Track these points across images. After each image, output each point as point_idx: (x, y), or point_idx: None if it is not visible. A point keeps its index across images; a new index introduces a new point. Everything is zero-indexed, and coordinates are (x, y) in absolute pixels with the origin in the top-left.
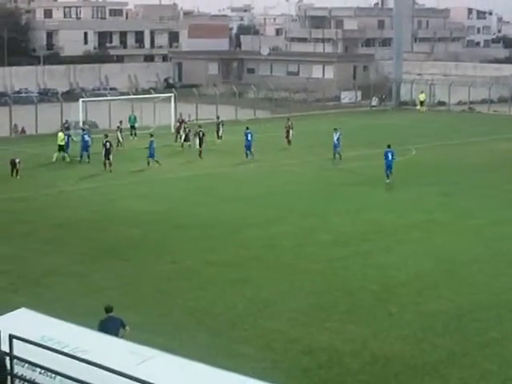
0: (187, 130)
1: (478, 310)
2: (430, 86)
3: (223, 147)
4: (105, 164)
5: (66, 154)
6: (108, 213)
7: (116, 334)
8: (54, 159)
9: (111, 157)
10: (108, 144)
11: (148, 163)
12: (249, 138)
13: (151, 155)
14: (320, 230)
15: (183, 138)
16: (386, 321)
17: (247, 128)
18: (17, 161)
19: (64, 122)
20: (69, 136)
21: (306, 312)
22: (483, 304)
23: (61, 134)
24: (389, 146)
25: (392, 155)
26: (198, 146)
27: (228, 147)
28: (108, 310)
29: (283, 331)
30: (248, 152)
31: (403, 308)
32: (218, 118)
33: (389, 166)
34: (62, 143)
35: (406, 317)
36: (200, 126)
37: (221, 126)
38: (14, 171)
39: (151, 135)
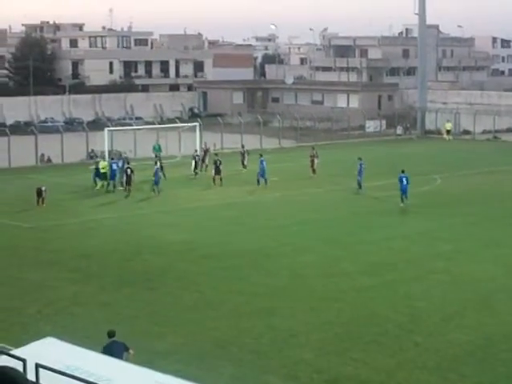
0: (218, 162)
1: (505, 339)
2: (454, 114)
3: (248, 176)
4: (125, 189)
5: (109, 182)
6: (134, 242)
7: (120, 358)
8: (97, 187)
9: (132, 183)
10: (129, 170)
11: (153, 190)
12: (263, 166)
13: (155, 182)
14: (346, 259)
15: (206, 166)
16: (411, 351)
17: (261, 155)
18: (43, 189)
19: (90, 151)
20: (115, 164)
21: (332, 342)
22: (510, 333)
23: (103, 163)
24: (403, 171)
25: (407, 180)
26: (213, 174)
27: (253, 176)
28: (111, 334)
29: (309, 361)
30: (261, 179)
31: (429, 338)
32: (242, 146)
33: (404, 191)
34: (105, 171)
35: (432, 346)
36: (216, 154)
37: (246, 154)
38: (40, 200)
39: (156, 163)
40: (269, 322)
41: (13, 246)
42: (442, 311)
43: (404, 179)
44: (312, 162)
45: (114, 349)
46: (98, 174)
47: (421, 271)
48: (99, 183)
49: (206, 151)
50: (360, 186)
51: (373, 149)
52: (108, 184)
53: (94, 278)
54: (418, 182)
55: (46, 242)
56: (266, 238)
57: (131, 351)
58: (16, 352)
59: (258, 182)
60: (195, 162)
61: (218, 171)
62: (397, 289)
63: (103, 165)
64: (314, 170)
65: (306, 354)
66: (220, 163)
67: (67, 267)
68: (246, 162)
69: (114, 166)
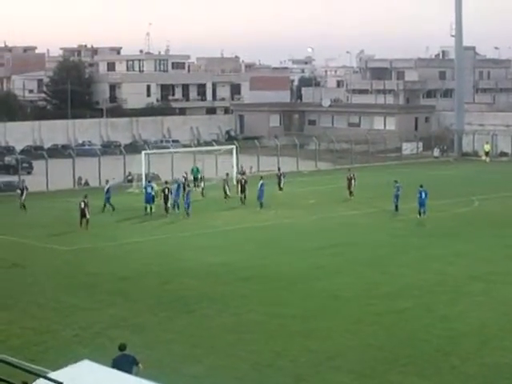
0: (243, 181)
1: None
2: (492, 136)
3: (284, 199)
4: (165, 209)
5: (146, 206)
6: (171, 265)
7: (130, 371)
8: (149, 210)
9: (169, 203)
10: (167, 190)
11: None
12: (262, 189)
13: (187, 205)
14: (382, 282)
15: (239, 189)
16: (448, 374)
17: (261, 178)
18: (86, 201)
19: (127, 174)
20: (150, 187)
21: (369, 364)
22: None
23: (156, 186)
24: (421, 186)
25: (425, 194)
26: (239, 194)
27: (289, 199)
28: (121, 348)
29: None
30: (257, 202)
31: (466, 360)
32: (279, 169)
33: (421, 204)
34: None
35: (470, 369)
36: (243, 173)
37: (282, 177)
38: (84, 221)
39: (188, 185)
40: (306, 345)
41: (51, 268)
42: (480, 334)
43: (422, 193)
44: (349, 184)
45: (123, 362)
46: (148, 197)
47: (458, 293)
48: (149, 207)
49: (242, 174)
50: (397, 208)
51: (410, 171)
52: (145, 208)
53: (131, 301)
54: (455, 203)
55: (83, 265)
56: (302, 260)
57: (141, 366)
58: (53, 375)
59: (261, 205)
60: (241, 186)
61: (242, 190)
62: (434, 311)
63: (155, 188)
64: (350, 193)
65: (343, 377)
66: (245, 182)
67: (104, 290)
68: (282, 185)
69: (149, 190)
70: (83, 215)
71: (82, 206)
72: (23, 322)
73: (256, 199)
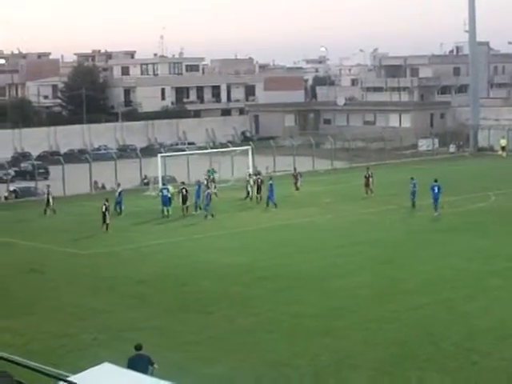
0: (259, 181)
1: None
2: (507, 131)
3: (301, 198)
4: (182, 209)
5: (163, 208)
6: (189, 266)
7: (145, 371)
8: (166, 213)
9: (188, 203)
10: (184, 191)
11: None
12: (272, 189)
13: (206, 206)
14: (401, 279)
15: (255, 190)
16: (468, 369)
17: (271, 178)
18: (107, 204)
19: (143, 177)
20: (166, 190)
21: (389, 361)
22: None
23: (171, 188)
24: (436, 181)
25: (438, 189)
26: (256, 193)
27: (306, 198)
28: (137, 348)
29: (366, 382)
30: (270, 201)
31: (486, 356)
32: (295, 169)
33: (435, 199)
34: (170, 196)
35: (490, 365)
36: (258, 174)
37: (299, 177)
38: (105, 226)
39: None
40: (324, 343)
41: (69, 272)
42: (500, 329)
43: (436, 188)
44: (367, 182)
45: (139, 362)
46: (164, 199)
47: (477, 289)
48: (165, 208)
49: (257, 175)
50: (414, 205)
51: (426, 167)
52: (162, 210)
53: (149, 304)
54: (472, 199)
55: (102, 269)
56: (320, 259)
57: (156, 365)
58: (73, 378)
59: (268, 204)
60: (258, 186)
61: (258, 190)
62: (453, 307)
63: (171, 190)
64: (371, 190)
65: (362, 375)
66: (261, 182)
67: (123, 293)
68: (298, 185)
69: (165, 192)
70: (104, 219)
71: (104, 209)
72: (43, 326)
73: (267, 199)
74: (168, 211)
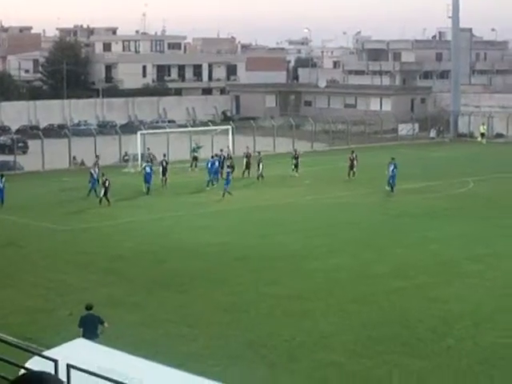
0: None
1: None
2: (488, 118)
3: (280, 179)
4: (162, 180)
5: (148, 185)
6: (168, 244)
7: (95, 330)
8: (146, 189)
9: (167, 174)
10: (164, 163)
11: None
12: (216, 165)
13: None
14: (378, 262)
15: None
16: (443, 354)
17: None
18: (106, 183)
19: (124, 154)
20: (149, 167)
21: (363, 344)
22: None
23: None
24: (393, 159)
25: (395, 167)
26: (261, 172)
27: (284, 179)
28: (88, 307)
29: (340, 364)
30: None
31: (461, 341)
32: (295, 150)
33: (392, 176)
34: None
35: (464, 349)
36: (259, 153)
37: (293, 159)
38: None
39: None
40: (301, 325)
41: (47, 248)
42: (475, 314)
43: (392, 166)
44: (351, 164)
45: (89, 320)
46: (147, 176)
47: (454, 274)
48: (148, 186)
49: (248, 157)
50: (392, 189)
51: (406, 152)
52: (144, 187)
53: (126, 280)
54: (451, 184)
55: (81, 244)
56: (298, 240)
57: (106, 324)
58: (48, 353)
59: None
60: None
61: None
62: (429, 292)
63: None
64: (353, 173)
65: (338, 357)
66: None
67: (100, 269)
68: (297, 166)
69: (148, 169)
70: (106, 193)
71: (107, 184)
72: (18, 300)
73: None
74: (148, 188)
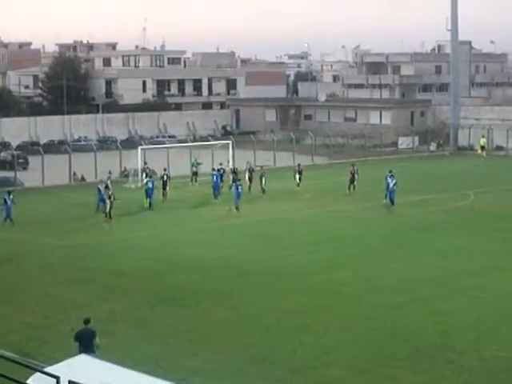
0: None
1: None
2: (487, 130)
3: (281, 193)
4: (163, 194)
5: (150, 200)
6: (168, 259)
7: (91, 344)
8: (147, 205)
9: (168, 188)
10: (165, 176)
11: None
12: (215, 179)
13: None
14: (379, 276)
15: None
16: (444, 368)
17: (216, 170)
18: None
19: (123, 169)
20: (151, 182)
21: (365, 359)
22: None
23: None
24: (390, 171)
25: (392, 180)
26: (263, 186)
27: (285, 193)
28: (85, 321)
29: (342, 379)
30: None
31: (462, 355)
32: (299, 165)
33: (390, 191)
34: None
35: (466, 364)
36: (262, 167)
37: (296, 173)
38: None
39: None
40: (302, 339)
41: (47, 264)
42: (476, 328)
43: (389, 179)
44: (352, 178)
45: (85, 334)
46: (149, 192)
47: (454, 287)
48: (149, 201)
49: (251, 171)
50: (393, 202)
51: (406, 165)
52: (146, 202)
53: (128, 296)
54: (451, 197)
55: (80, 261)
56: (299, 255)
57: (97, 339)
58: (49, 369)
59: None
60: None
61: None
62: (430, 305)
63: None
64: (354, 187)
65: (339, 372)
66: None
67: (101, 285)
68: (299, 180)
69: (150, 185)
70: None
71: (112, 199)
72: (19, 317)
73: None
74: (150, 204)
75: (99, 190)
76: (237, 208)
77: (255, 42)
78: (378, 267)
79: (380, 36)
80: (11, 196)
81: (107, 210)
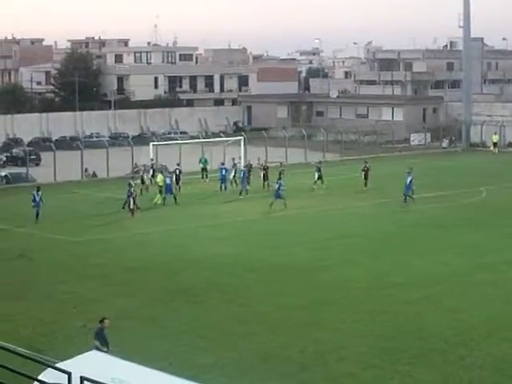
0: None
1: None
2: (500, 127)
3: (292, 190)
4: (175, 189)
5: (165, 196)
6: (180, 256)
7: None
8: (156, 201)
9: (180, 182)
10: (178, 171)
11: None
12: (223, 173)
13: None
14: (391, 273)
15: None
16: (456, 364)
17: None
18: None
19: (134, 165)
20: (169, 178)
21: (377, 355)
22: None
23: (160, 176)
24: (410, 169)
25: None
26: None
27: (297, 190)
28: (100, 320)
29: (354, 374)
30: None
31: (474, 351)
32: (320, 162)
33: (408, 188)
34: (162, 184)
35: (478, 360)
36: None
37: (316, 171)
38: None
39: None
40: (314, 336)
41: (59, 260)
42: (488, 324)
43: (408, 178)
44: (365, 175)
45: (100, 333)
46: (168, 188)
47: (467, 284)
48: (157, 197)
49: (266, 169)
50: (406, 199)
51: (418, 162)
52: (164, 198)
53: (140, 292)
54: (463, 194)
55: (93, 256)
56: (310, 250)
57: (96, 342)
58: (61, 365)
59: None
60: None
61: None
62: (442, 302)
63: (160, 178)
64: (366, 183)
65: (351, 368)
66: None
67: (113, 281)
68: (323, 177)
69: (168, 181)
70: (129, 204)
71: (135, 195)
72: (31, 312)
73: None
74: (164, 199)
75: (130, 184)
76: (285, 205)
77: (267, 39)
78: (390, 263)
79: (392, 32)
80: (39, 192)
81: (131, 206)
